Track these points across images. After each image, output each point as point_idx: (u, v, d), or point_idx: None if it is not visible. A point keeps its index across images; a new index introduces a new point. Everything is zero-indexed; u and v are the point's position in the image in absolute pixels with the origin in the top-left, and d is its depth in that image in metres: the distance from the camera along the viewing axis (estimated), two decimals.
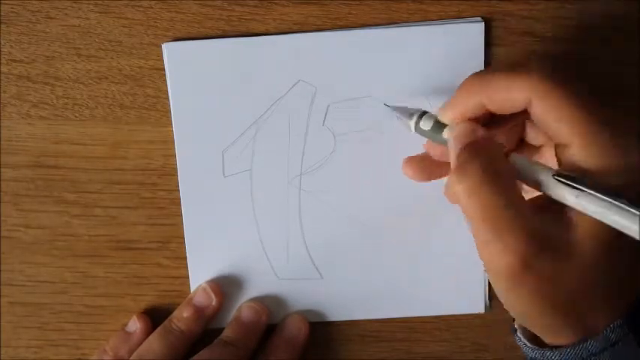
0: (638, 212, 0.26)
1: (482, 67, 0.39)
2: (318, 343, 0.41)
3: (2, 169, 0.40)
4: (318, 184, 0.40)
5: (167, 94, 0.39)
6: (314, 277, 0.41)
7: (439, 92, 0.39)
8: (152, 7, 0.39)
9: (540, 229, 0.28)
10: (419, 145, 0.37)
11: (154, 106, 0.40)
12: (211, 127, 0.39)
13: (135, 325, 0.40)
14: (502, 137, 0.33)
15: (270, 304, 0.41)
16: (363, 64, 0.39)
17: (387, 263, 0.40)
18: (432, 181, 0.37)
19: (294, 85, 0.39)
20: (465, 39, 0.38)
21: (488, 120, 0.33)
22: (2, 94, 0.40)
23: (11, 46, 0.39)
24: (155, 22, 0.39)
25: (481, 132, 0.31)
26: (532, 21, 0.39)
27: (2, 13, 0.39)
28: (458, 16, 0.39)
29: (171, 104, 0.39)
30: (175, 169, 0.40)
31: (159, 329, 0.40)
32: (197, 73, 0.39)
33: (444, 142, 0.33)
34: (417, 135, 0.35)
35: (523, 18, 0.39)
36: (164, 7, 0.39)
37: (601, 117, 0.29)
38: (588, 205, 0.28)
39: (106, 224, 0.41)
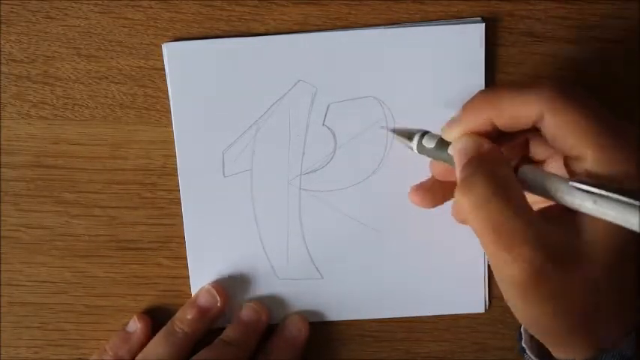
0: None
1: (483, 68, 0.39)
2: (318, 343, 0.41)
3: (2, 169, 0.40)
4: (319, 184, 0.40)
5: (167, 94, 0.39)
6: (314, 277, 0.41)
7: (439, 92, 0.39)
8: (152, 7, 0.39)
9: (551, 239, 0.28)
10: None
11: (154, 106, 0.40)
12: (211, 127, 0.39)
13: (135, 325, 0.40)
14: (509, 153, 0.33)
15: (271, 304, 0.41)
16: (363, 64, 0.39)
17: (387, 263, 0.40)
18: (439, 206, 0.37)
19: (294, 85, 0.39)
20: (466, 39, 0.38)
21: (493, 139, 0.32)
22: (2, 94, 0.40)
23: (11, 46, 0.39)
24: (155, 22, 0.39)
25: (487, 144, 0.31)
26: (532, 21, 0.39)
27: (2, 13, 0.39)
28: (458, 16, 0.39)
29: (171, 104, 0.39)
30: (175, 169, 0.40)
31: (162, 332, 0.39)
32: (197, 73, 0.39)
33: (449, 160, 0.33)
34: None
35: (523, 18, 0.39)
36: (164, 7, 0.39)
37: (613, 128, 0.29)
38: (607, 211, 0.28)
39: (106, 224, 0.41)
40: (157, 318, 0.41)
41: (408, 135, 0.35)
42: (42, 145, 0.40)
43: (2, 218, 0.40)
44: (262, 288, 0.41)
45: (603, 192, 0.27)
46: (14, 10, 0.39)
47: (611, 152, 0.29)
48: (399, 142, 0.36)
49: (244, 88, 0.39)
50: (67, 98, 0.40)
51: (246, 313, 0.40)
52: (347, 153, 0.40)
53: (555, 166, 0.33)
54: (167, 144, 0.40)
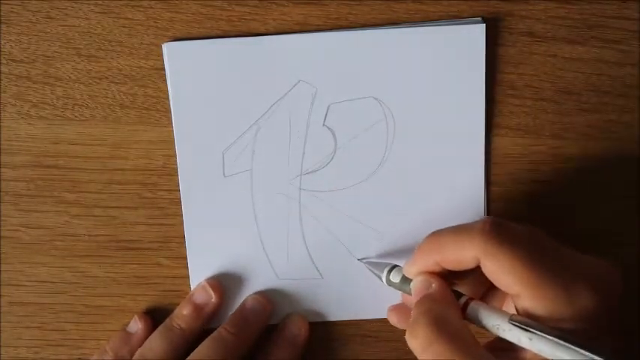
0: (585, 352, 0.28)
1: (483, 68, 0.39)
2: (318, 343, 0.41)
3: (2, 169, 0.40)
4: (319, 184, 0.40)
5: (167, 94, 0.39)
6: (314, 277, 0.41)
7: (439, 92, 0.39)
8: (152, 7, 0.39)
9: None
10: (415, 144, 0.37)
11: (154, 106, 0.40)
12: (211, 127, 0.39)
13: (136, 325, 0.40)
14: (471, 284, 0.35)
15: None
16: (364, 65, 0.39)
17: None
18: None
19: (294, 86, 0.39)
20: (466, 40, 0.38)
21: (454, 274, 0.34)
22: (2, 94, 0.40)
23: (11, 46, 0.39)
24: (155, 22, 0.39)
25: (435, 285, 0.33)
26: (532, 21, 0.39)
27: (2, 13, 0.39)
28: (458, 16, 0.39)
29: (171, 104, 0.39)
30: (175, 169, 0.40)
31: (160, 328, 0.40)
32: (197, 73, 0.39)
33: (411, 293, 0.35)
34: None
35: (523, 18, 0.39)
36: (164, 7, 0.39)
37: (548, 268, 0.31)
38: (542, 347, 0.30)
39: (106, 224, 0.41)
40: (157, 318, 0.41)
41: (380, 268, 0.38)
42: (42, 145, 0.40)
43: (2, 218, 0.40)
44: (262, 288, 0.41)
45: (536, 331, 0.30)
46: (14, 10, 0.39)
47: (546, 292, 0.30)
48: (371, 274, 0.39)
49: (244, 88, 0.39)
50: (67, 98, 0.40)
51: (251, 303, 0.40)
52: (347, 153, 0.40)
53: None
54: (167, 144, 0.40)
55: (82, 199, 0.40)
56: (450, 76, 0.39)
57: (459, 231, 0.33)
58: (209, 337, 0.39)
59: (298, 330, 0.40)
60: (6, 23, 0.39)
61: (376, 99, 0.39)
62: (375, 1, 0.39)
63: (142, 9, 0.39)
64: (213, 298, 0.40)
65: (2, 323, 0.41)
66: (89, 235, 0.41)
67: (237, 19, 0.39)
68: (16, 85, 0.40)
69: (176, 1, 0.39)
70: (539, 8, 0.39)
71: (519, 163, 0.40)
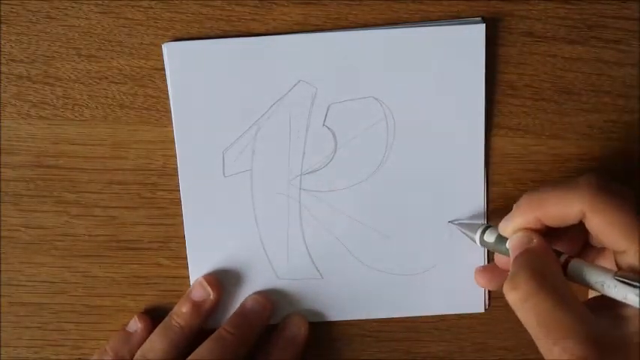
0: None
1: (483, 68, 0.39)
2: (318, 343, 0.41)
3: (2, 169, 0.40)
4: (319, 184, 0.40)
5: (167, 94, 0.39)
6: (314, 277, 0.41)
7: (439, 92, 0.39)
8: (152, 7, 0.39)
9: (597, 331, 0.29)
10: (415, 144, 0.37)
11: (154, 106, 0.40)
12: (212, 127, 0.39)
13: (136, 325, 0.40)
14: (566, 243, 0.35)
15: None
16: (364, 65, 0.39)
17: (387, 263, 0.40)
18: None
19: (294, 86, 0.39)
20: (466, 40, 0.38)
21: (551, 231, 0.34)
22: (2, 94, 0.40)
23: (11, 46, 0.39)
24: (155, 22, 0.39)
25: (536, 240, 0.33)
26: (532, 21, 0.39)
27: (2, 13, 0.39)
28: (458, 16, 0.39)
29: (171, 104, 0.39)
30: (175, 169, 0.40)
31: (159, 327, 0.40)
32: (197, 73, 0.39)
33: (507, 253, 0.35)
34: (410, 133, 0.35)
35: (523, 18, 0.39)
36: (164, 7, 0.39)
37: None
38: None
39: (106, 224, 0.41)
40: (157, 318, 0.40)
41: (473, 228, 0.38)
42: (42, 145, 0.40)
43: (2, 218, 0.40)
44: (262, 288, 0.41)
45: None
46: (14, 10, 0.39)
47: None
48: (464, 235, 0.39)
49: (244, 88, 0.39)
50: (67, 98, 0.40)
51: (251, 304, 0.40)
52: (347, 153, 0.40)
53: (612, 256, 0.34)
54: (167, 144, 0.40)
55: (82, 199, 0.40)
56: (450, 76, 0.39)
57: (562, 186, 0.33)
58: (209, 338, 0.39)
59: (298, 330, 0.40)
60: (6, 23, 0.39)
61: (376, 99, 0.39)
62: (375, 1, 0.39)
63: (142, 9, 0.39)
64: (211, 294, 0.40)
65: (2, 323, 0.41)
66: (89, 235, 0.41)
67: (237, 19, 0.39)
68: (16, 85, 0.39)
69: (176, 1, 0.39)
70: (539, 8, 0.39)
71: (519, 163, 0.40)
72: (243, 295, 0.41)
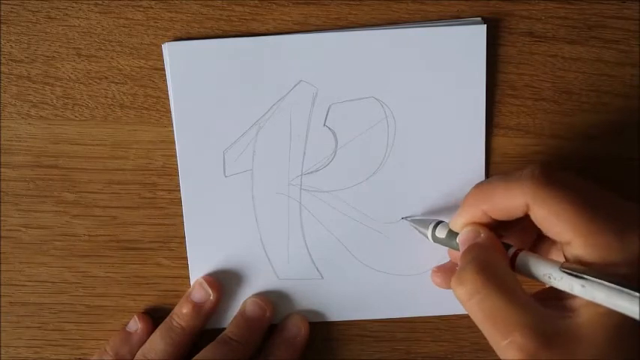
0: (638, 295, 0.28)
1: (483, 68, 0.39)
2: (318, 343, 0.41)
3: (2, 169, 0.40)
4: (319, 184, 0.40)
5: (167, 94, 0.39)
6: (314, 277, 0.41)
7: (439, 92, 0.39)
8: (152, 7, 0.39)
9: (545, 324, 0.29)
10: (416, 144, 0.37)
11: (154, 106, 0.40)
12: (212, 127, 0.39)
13: (136, 324, 0.40)
14: (518, 236, 0.35)
15: None
16: (364, 65, 0.39)
17: (387, 263, 0.40)
18: None
19: (295, 86, 0.39)
20: (466, 39, 0.38)
21: (501, 225, 0.34)
22: (2, 94, 0.40)
23: (11, 46, 0.39)
24: (155, 22, 0.39)
25: (483, 234, 0.33)
26: (532, 21, 0.39)
27: (2, 13, 0.39)
28: (458, 16, 0.39)
29: (171, 104, 0.39)
30: (175, 169, 0.40)
31: (160, 327, 0.40)
32: (197, 73, 0.39)
33: (458, 248, 0.35)
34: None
35: (523, 18, 0.39)
36: (164, 7, 0.39)
37: (601, 214, 0.30)
38: (595, 294, 0.29)
39: (106, 224, 0.41)
40: (157, 318, 0.41)
41: (425, 225, 0.37)
42: (42, 145, 0.40)
43: (2, 218, 0.40)
44: (262, 288, 0.41)
45: (591, 277, 0.29)
46: (14, 10, 0.39)
47: (599, 239, 0.30)
48: (416, 232, 0.39)
49: (245, 88, 0.39)
50: (67, 98, 0.40)
51: (250, 308, 0.40)
52: (348, 153, 0.40)
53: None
54: (167, 144, 0.40)
55: (82, 199, 0.40)
56: (450, 76, 0.39)
57: (507, 178, 0.32)
58: (213, 342, 0.39)
59: (298, 330, 0.40)
60: (6, 23, 0.39)
61: (377, 99, 0.39)
62: (375, 1, 0.39)
63: (141, 9, 0.39)
64: (212, 295, 0.40)
65: (2, 323, 0.41)
66: (89, 235, 0.41)
67: (237, 19, 0.39)
68: (16, 85, 0.39)
69: (176, 1, 0.39)
70: (539, 8, 0.39)
71: (519, 163, 0.40)
72: (244, 295, 0.41)
